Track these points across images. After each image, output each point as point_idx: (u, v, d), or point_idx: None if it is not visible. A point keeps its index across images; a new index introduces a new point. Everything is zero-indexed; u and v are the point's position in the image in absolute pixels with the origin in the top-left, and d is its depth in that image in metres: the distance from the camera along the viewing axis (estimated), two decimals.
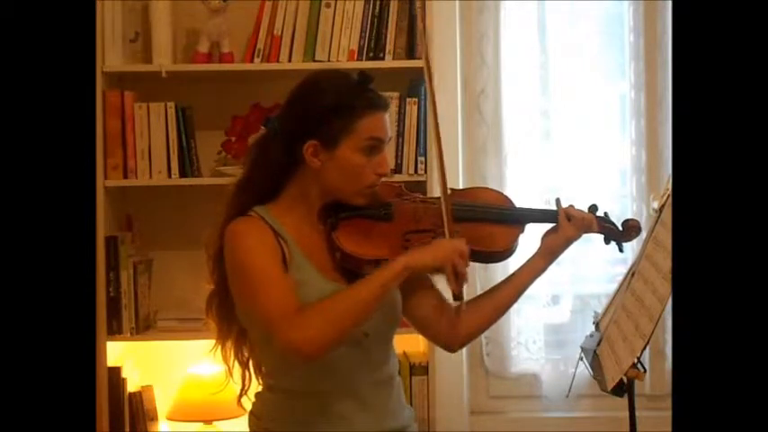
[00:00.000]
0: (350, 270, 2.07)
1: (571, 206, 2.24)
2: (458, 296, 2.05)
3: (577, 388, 2.62)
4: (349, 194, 2.08)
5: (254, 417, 2.17)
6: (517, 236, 2.19)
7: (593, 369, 2.19)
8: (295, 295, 1.96)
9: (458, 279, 2.01)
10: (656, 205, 2.23)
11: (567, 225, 2.19)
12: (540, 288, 3.39)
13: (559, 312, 3.49)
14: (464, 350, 3.36)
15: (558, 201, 2.25)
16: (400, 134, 3.17)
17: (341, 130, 2.02)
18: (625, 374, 1.96)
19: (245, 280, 2.00)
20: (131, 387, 3.19)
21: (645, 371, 1.97)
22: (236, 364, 2.16)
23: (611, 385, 2.00)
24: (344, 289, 1.98)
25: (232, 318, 2.10)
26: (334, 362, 2.02)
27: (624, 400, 2.04)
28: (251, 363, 2.16)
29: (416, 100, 3.16)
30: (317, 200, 2.09)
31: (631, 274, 2.21)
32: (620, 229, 2.27)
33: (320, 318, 1.92)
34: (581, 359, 2.27)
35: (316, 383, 2.06)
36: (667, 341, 3.35)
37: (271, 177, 2.09)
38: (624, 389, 2.00)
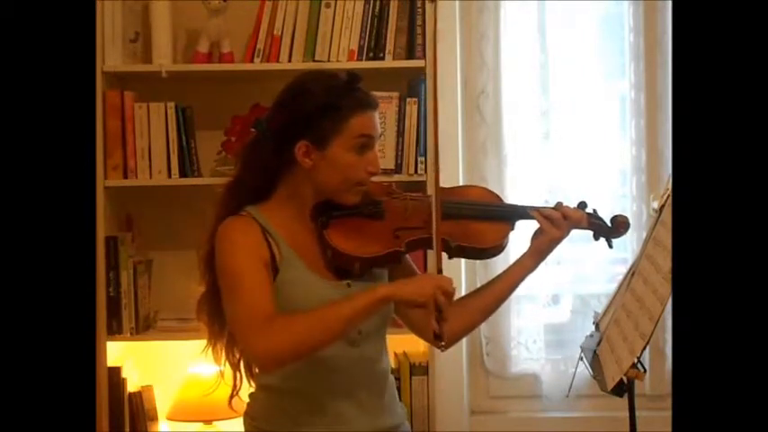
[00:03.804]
0: (341, 268, 2.08)
1: (560, 203, 2.24)
2: (438, 335, 1.99)
3: (577, 388, 2.62)
4: (341, 193, 2.09)
5: (249, 417, 2.17)
6: (507, 233, 2.20)
7: (593, 369, 2.19)
8: (271, 303, 1.96)
9: (439, 316, 1.97)
10: (656, 205, 2.23)
11: (549, 226, 2.19)
12: (540, 288, 3.40)
13: (559, 312, 3.49)
14: (464, 350, 3.37)
15: (527, 208, 2.22)
16: (400, 134, 3.16)
17: (331, 129, 2.03)
18: (625, 374, 1.96)
19: (226, 279, 2.01)
20: (131, 387, 3.19)
21: (645, 371, 1.97)
22: (228, 365, 2.16)
23: (611, 385, 2.00)
24: (321, 307, 1.96)
25: (223, 319, 2.09)
26: (327, 359, 2.03)
27: (624, 400, 2.04)
28: (242, 364, 2.16)
29: (416, 100, 3.15)
30: (309, 199, 2.10)
31: (631, 273, 2.21)
32: (609, 225, 2.28)
33: (286, 331, 1.92)
34: (581, 359, 2.27)
35: (309, 382, 2.07)
36: (667, 341, 3.35)
37: (262, 178, 2.10)
38: (624, 389, 2.00)
